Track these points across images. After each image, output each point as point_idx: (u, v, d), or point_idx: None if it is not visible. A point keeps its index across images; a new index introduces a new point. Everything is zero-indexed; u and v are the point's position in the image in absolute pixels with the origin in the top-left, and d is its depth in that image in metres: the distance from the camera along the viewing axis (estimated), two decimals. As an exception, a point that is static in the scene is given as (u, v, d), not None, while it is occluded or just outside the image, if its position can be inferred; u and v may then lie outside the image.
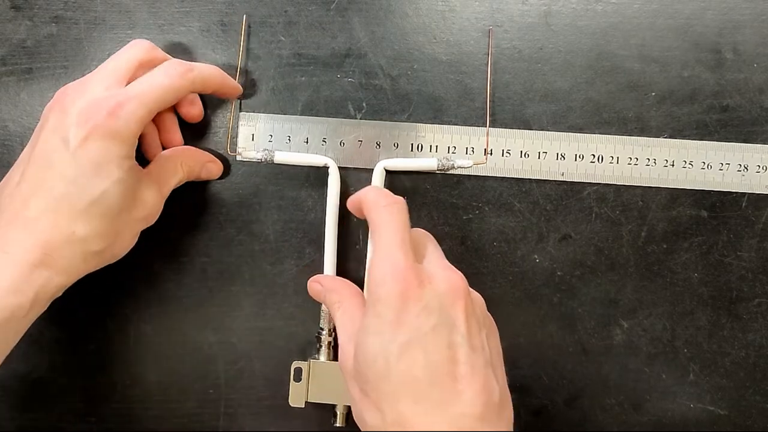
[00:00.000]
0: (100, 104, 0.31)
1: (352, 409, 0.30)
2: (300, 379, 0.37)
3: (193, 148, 0.38)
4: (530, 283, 0.39)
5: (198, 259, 0.39)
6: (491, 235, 0.39)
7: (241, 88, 0.38)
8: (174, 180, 0.36)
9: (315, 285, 0.35)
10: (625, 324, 0.39)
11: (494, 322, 0.32)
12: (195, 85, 0.34)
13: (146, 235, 0.38)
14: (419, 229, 0.34)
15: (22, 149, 0.39)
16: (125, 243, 0.34)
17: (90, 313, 0.39)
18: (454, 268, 0.30)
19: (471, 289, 0.30)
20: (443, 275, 0.30)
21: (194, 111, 0.38)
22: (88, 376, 0.39)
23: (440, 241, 0.33)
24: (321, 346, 0.38)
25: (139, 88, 0.32)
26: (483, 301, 0.31)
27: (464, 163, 0.38)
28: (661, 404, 0.38)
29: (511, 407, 0.29)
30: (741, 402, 0.38)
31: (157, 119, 0.37)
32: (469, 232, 0.39)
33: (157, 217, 0.36)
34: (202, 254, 0.39)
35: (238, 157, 0.39)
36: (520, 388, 0.38)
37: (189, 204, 0.39)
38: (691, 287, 0.38)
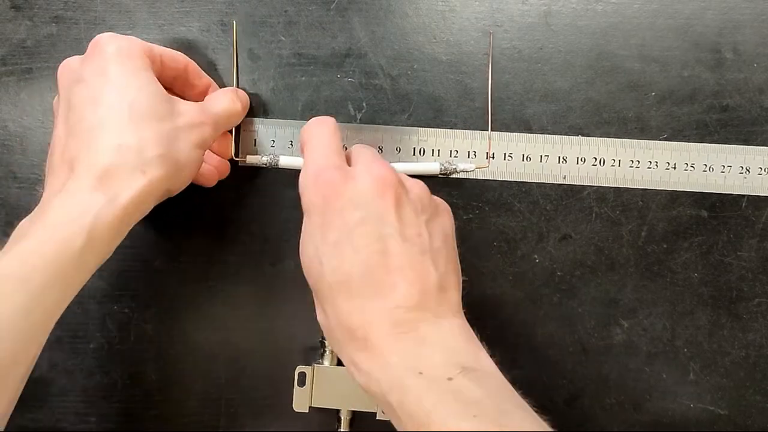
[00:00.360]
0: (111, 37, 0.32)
1: None
2: (304, 384, 0.37)
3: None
4: (530, 283, 0.39)
5: (198, 259, 0.39)
6: (491, 235, 0.39)
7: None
8: (220, 102, 0.35)
9: None
10: (625, 324, 0.39)
11: (446, 207, 0.31)
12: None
13: (146, 234, 0.38)
14: (362, 144, 0.33)
15: (22, 149, 0.39)
16: (183, 155, 0.32)
17: (90, 313, 0.39)
18: (388, 164, 0.30)
19: (410, 179, 0.30)
20: (369, 169, 0.29)
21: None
22: (88, 376, 0.39)
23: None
24: (325, 351, 0.38)
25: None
26: (424, 187, 0.30)
27: (467, 167, 0.38)
28: (661, 404, 0.38)
29: (457, 288, 0.29)
30: (741, 402, 0.38)
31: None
32: (469, 232, 0.39)
33: (212, 140, 0.34)
34: (202, 254, 0.39)
35: (243, 163, 0.38)
36: (520, 388, 0.38)
37: (189, 204, 0.39)
38: (691, 287, 0.38)
